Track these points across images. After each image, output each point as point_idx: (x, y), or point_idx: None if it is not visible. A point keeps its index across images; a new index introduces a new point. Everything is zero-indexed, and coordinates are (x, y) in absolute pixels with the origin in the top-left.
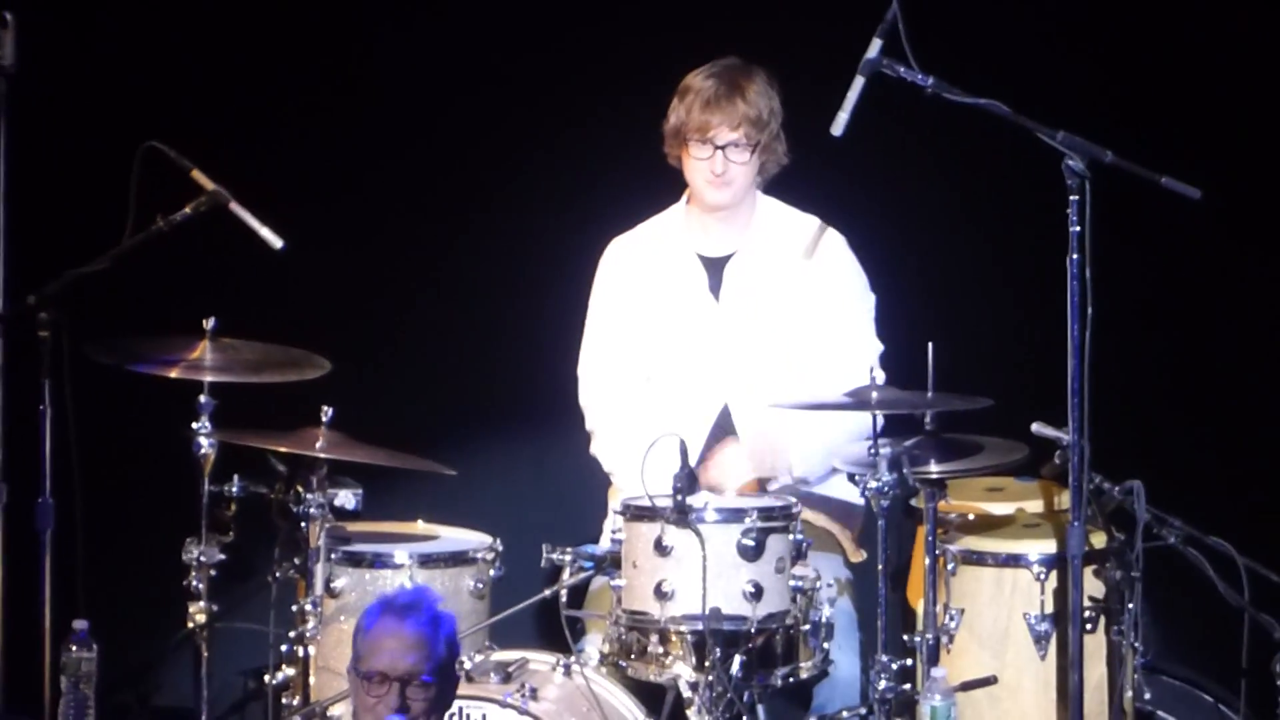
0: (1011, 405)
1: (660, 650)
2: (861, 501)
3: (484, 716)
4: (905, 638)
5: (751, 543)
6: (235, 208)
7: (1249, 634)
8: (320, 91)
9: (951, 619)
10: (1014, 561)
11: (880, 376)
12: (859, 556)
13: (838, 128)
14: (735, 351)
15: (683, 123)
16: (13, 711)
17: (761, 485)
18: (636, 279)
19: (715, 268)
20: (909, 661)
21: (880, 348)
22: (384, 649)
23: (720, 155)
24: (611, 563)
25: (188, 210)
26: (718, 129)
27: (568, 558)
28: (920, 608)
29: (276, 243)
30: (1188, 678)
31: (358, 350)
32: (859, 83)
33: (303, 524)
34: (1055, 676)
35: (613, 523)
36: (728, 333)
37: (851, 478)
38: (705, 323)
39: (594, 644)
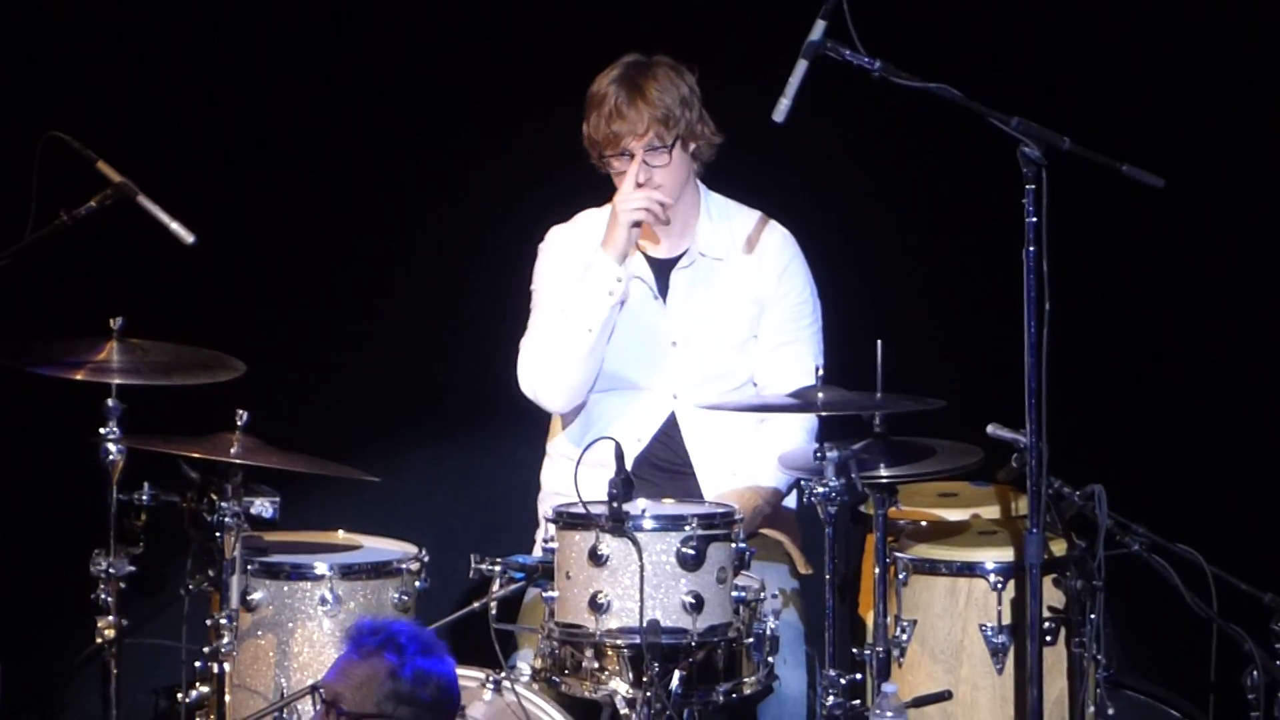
0: (965, 406)
1: (595, 665)
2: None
3: None
4: (854, 651)
5: (692, 551)
6: (143, 201)
7: (1217, 646)
8: (234, 79)
9: (903, 631)
10: (969, 570)
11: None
12: (807, 569)
13: (780, 114)
14: (682, 354)
15: (593, 139)
16: None
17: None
18: (581, 270)
19: (662, 270)
20: (858, 676)
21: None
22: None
23: (640, 164)
24: (543, 573)
25: (93, 204)
26: (627, 139)
27: (497, 568)
28: (870, 620)
29: (188, 238)
30: (1153, 692)
31: (274, 351)
32: (801, 66)
33: (217, 534)
34: (1013, 691)
35: (544, 531)
36: (674, 336)
37: (797, 483)
38: (651, 325)
39: (526, 659)
